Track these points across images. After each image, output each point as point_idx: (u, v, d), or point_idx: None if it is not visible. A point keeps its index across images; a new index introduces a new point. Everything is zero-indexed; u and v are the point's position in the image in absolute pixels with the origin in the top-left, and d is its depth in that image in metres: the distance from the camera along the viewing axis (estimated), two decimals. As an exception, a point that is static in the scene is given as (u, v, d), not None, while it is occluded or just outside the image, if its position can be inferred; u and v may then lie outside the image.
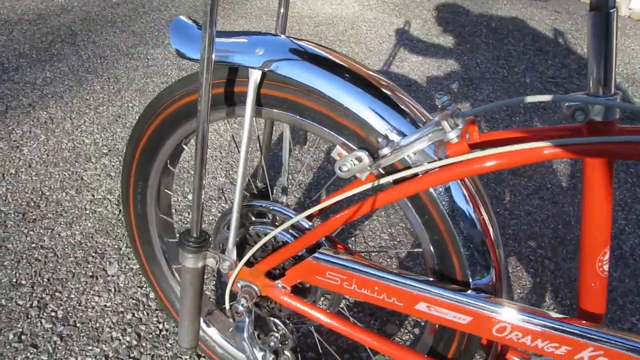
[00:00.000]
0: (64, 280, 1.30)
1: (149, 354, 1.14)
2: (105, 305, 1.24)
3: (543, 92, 2.56)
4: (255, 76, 0.69)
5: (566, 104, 0.57)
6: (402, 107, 0.66)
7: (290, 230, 0.80)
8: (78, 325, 1.19)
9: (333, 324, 0.79)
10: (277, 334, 0.87)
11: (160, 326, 1.20)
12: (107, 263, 1.36)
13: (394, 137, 0.64)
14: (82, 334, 1.17)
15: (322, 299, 0.86)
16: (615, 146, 0.56)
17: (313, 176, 1.79)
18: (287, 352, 0.89)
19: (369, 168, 0.65)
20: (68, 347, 1.14)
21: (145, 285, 1.30)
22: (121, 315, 1.22)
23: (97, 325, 1.19)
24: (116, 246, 1.41)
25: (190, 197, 1.63)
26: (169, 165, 0.93)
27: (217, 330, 1.07)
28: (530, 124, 2.28)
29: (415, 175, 0.65)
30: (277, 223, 0.87)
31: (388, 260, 1.48)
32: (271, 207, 0.82)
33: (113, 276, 1.32)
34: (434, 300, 0.69)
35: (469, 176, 0.61)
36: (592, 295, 0.69)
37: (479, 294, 0.69)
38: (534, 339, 0.67)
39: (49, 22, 2.93)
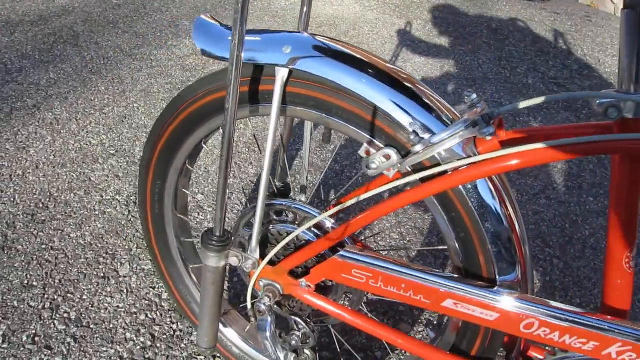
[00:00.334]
0: (76, 281, 1.29)
1: (164, 355, 1.13)
2: (118, 306, 1.24)
3: (546, 93, 2.58)
4: (282, 74, 0.69)
5: (598, 101, 0.57)
6: (429, 104, 0.67)
7: (312, 229, 0.80)
8: (91, 326, 1.18)
9: (357, 322, 0.79)
10: (298, 333, 0.86)
11: (175, 327, 1.20)
12: (119, 264, 1.35)
13: (423, 134, 0.65)
14: (96, 335, 1.16)
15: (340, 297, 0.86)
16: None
17: (333, 175, 1.79)
18: (307, 351, 0.89)
19: (398, 165, 0.65)
20: (82, 349, 1.13)
21: (157, 286, 1.30)
22: (134, 316, 1.21)
23: (111, 326, 1.19)
24: (127, 247, 1.41)
25: (199, 197, 1.63)
26: (187, 165, 0.93)
27: (233, 330, 1.07)
28: (534, 124, 2.29)
29: (444, 172, 0.66)
30: (297, 222, 0.87)
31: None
32: (294, 206, 0.82)
33: (125, 277, 1.31)
34: (462, 297, 0.69)
35: (500, 173, 0.61)
36: (618, 292, 0.70)
37: (506, 290, 0.69)
38: (561, 335, 0.67)
39: (51, 23, 2.92)
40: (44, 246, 1.39)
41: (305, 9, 0.80)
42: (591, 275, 1.52)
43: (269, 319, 0.82)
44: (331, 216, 0.79)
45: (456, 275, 0.73)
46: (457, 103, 2.33)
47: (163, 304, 1.25)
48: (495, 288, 0.70)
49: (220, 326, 1.07)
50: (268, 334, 0.82)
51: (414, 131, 0.65)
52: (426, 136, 0.64)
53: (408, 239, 1.56)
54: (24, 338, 1.14)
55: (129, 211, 1.54)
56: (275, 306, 0.89)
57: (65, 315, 1.20)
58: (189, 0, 3.43)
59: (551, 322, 0.66)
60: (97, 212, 1.52)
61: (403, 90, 0.67)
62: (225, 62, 0.73)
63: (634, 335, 0.63)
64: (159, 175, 0.94)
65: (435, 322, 1.29)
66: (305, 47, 0.69)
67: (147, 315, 1.22)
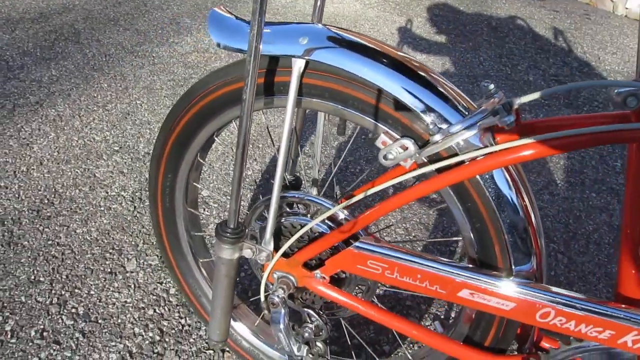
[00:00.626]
0: (83, 276, 1.29)
1: (173, 349, 1.13)
2: (125, 302, 1.23)
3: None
4: (299, 65, 0.69)
5: (616, 91, 0.57)
6: (445, 93, 0.67)
7: (326, 221, 0.80)
8: (100, 321, 1.18)
9: (371, 313, 0.79)
10: (311, 325, 0.87)
11: (183, 321, 1.20)
12: (125, 259, 1.35)
13: (440, 124, 0.65)
14: (104, 330, 1.16)
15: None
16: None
17: (337, 171, 1.79)
18: (319, 344, 0.89)
19: (417, 155, 0.65)
20: (91, 343, 1.13)
21: (165, 281, 1.30)
22: (142, 311, 1.21)
23: (119, 321, 1.18)
24: (133, 242, 1.40)
25: (204, 192, 1.63)
26: (199, 158, 0.93)
27: (243, 324, 1.07)
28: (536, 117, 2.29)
29: (461, 162, 0.66)
30: (308, 213, 0.87)
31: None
32: (307, 198, 0.82)
33: (132, 272, 1.31)
34: (477, 287, 0.70)
35: (519, 162, 0.62)
36: (632, 281, 0.70)
37: (522, 280, 0.70)
38: (577, 324, 0.68)
39: (51, 20, 2.91)
40: (50, 242, 1.39)
41: (319, 2, 0.80)
42: (595, 270, 1.53)
43: (283, 311, 0.83)
44: (345, 208, 0.80)
45: (471, 266, 0.73)
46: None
47: (171, 299, 1.25)
48: (511, 278, 0.70)
49: (230, 320, 1.07)
50: (282, 326, 0.83)
51: (432, 121, 0.65)
52: (444, 126, 0.64)
53: (413, 234, 1.56)
54: (32, 333, 1.14)
55: (135, 207, 1.53)
56: (287, 299, 0.89)
57: (73, 310, 1.20)
58: (189, -3, 3.43)
59: (567, 311, 0.67)
60: (102, 208, 1.52)
61: (419, 80, 0.67)
62: (242, 54, 0.73)
63: (650, 323, 0.64)
64: (170, 169, 0.94)
65: (442, 317, 1.30)
66: (321, 38, 0.69)
67: (155, 310, 1.22)
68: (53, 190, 1.58)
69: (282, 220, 0.85)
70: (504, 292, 0.69)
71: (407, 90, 0.66)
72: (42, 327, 1.16)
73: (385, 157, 0.68)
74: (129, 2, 3.27)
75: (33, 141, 1.81)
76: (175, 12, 3.16)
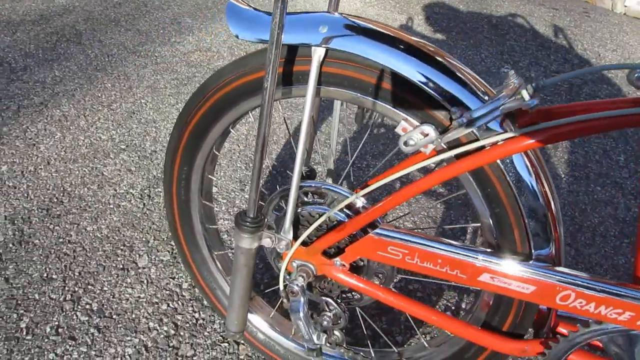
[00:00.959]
0: (95, 273, 1.29)
1: (188, 343, 1.14)
2: (139, 297, 1.24)
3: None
4: (319, 53, 0.70)
5: (637, 74, 0.58)
6: (464, 80, 0.68)
7: (344, 210, 0.81)
8: (114, 316, 1.19)
9: (391, 299, 0.80)
10: (329, 314, 0.87)
11: (197, 315, 1.20)
12: (137, 255, 1.35)
13: (461, 109, 0.66)
14: (119, 325, 1.16)
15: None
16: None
17: (343, 165, 1.80)
18: (336, 332, 0.90)
19: (439, 140, 0.66)
20: (106, 338, 1.13)
21: (177, 277, 1.30)
22: (156, 306, 1.22)
23: (133, 316, 1.19)
24: (144, 239, 1.41)
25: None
26: (214, 150, 0.94)
27: (259, 317, 1.07)
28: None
29: (481, 148, 0.67)
30: (323, 201, 0.87)
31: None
32: (325, 187, 0.83)
33: (144, 268, 1.32)
34: (498, 271, 0.71)
35: (540, 146, 0.63)
36: (650, 263, 0.71)
37: (542, 263, 0.70)
38: (597, 306, 0.68)
39: (52, 22, 2.91)
40: (60, 240, 1.39)
41: (335, -9, 0.80)
42: (602, 261, 1.54)
43: (302, 299, 0.83)
44: (363, 196, 0.80)
45: (491, 250, 0.74)
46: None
47: (184, 294, 1.25)
48: (531, 262, 0.71)
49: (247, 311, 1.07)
50: (301, 314, 0.83)
51: (452, 107, 0.66)
52: (465, 111, 0.65)
53: (422, 227, 1.57)
54: (47, 329, 1.14)
55: (144, 204, 1.54)
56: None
57: (87, 306, 1.21)
58: (190, -2, 3.43)
59: (587, 293, 0.68)
60: (111, 206, 1.52)
61: (438, 66, 0.68)
62: (260, 44, 0.74)
63: (670, 303, 0.64)
64: (185, 161, 0.94)
65: (453, 308, 1.31)
66: (340, 27, 0.70)
67: (168, 305, 1.22)
68: (62, 189, 1.58)
69: (300, 210, 0.86)
70: (525, 275, 0.69)
71: (426, 77, 0.67)
72: (57, 323, 1.16)
73: (405, 144, 0.68)
74: (129, 2, 3.27)
75: (39, 141, 1.81)
76: (176, 12, 3.17)
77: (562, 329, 0.84)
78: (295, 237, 0.83)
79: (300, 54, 0.74)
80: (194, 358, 1.11)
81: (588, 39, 3.29)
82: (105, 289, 1.25)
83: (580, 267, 1.51)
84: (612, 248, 1.61)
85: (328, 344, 0.90)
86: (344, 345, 0.92)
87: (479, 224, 0.77)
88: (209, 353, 1.12)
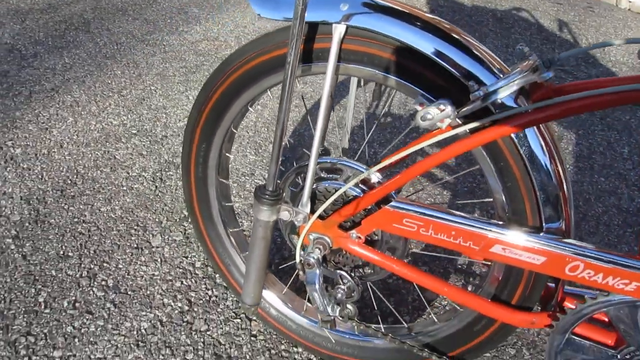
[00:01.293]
0: (110, 251, 1.32)
1: (202, 318, 1.17)
2: (153, 274, 1.27)
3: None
4: (339, 30, 0.73)
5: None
6: (480, 56, 0.70)
7: (360, 185, 0.84)
8: (129, 292, 1.22)
9: (405, 272, 0.83)
10: (343, 287, 0.90)
11: (210, 292, 1.23)
12: (150, 235, 1.38)
13: (477, 85, 0.68)
14: (134, 301, 1.19)
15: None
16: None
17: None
18: (349, 306, 0.93)
19: (456, 114, 0.69)
20: (122, 313, 1.16)
21: (190, 256, 1.33)
22: (170, 283, 1.25)
23: (148, 292, 1.22)
24: (157, 220, 1.44)
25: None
26: (232, 128, 0.96)
27: (272, 293, 1.10)
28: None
29: (495, 122, 0.69)
30: (339, 177, 0.90)
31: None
32: (342, 162, 0.86)
33: (158, 247, 1.35)
34: (509, 242, 0.73)
35: (554, 120, 0.65)
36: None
37: (552, 235, 0.73)
38: (605, 277, 0.71)
39: (60, 11, 2.93)
40: (75, 219, 1.42)
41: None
42: (605, 248, 1.57)
43: (318, 271, 0.86)
44: (379, 171, 0.83)
45: (503, 223, 0.77)
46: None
47: (197, 272, 1.28)
48: (541, 234, 0.74)
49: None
50: (317, 286, 0.86)
51: (469, 82, 0.68)
52: (482, 86, 0.68)
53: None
54: (65, 304, 1.17)
55: (156, 187, 1.57)
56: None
57: (103, 282, 1.24)
58: (197, -11, 3.45)
59: (596, 264, 0.71)
60: (124, 188, 1.55)
61: (455, 42, 0.70)
62: (286, 22, 0.76)
63: (675, 273, 0.67)
64: (204, 139, 0.97)
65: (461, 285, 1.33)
66: (360, 4, 0.73)
67: (182, 282, 1.25)
68: (75, 171, 1.61)
69: (316, 186, 0.88)
70: (535, 247, 0.72)
71: (444, 53, 0.70)
72: (74, 298, 1.19)
73: (423, 118, 0.71)
74: (136, -8, 3.29)
75: (52, 125, 1.84)
76: (183, 2, 3.18)
77: (569, 304, 0.87)
78: (312, 212, 0.86)
79: (321, 32, 0.77)
80: (208, 333, 1.14)
81: (592, 34, 3.31)
82: (120, 266, 1.28)
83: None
84: (616, 237, 1.63)
85: (341, 317, 0.92)
86: (356, 319, 0.95)
87: (490, 199, 0.79)
88: (222, 328, 1.15)
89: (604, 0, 4.07)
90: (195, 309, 1.19)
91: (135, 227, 1.41)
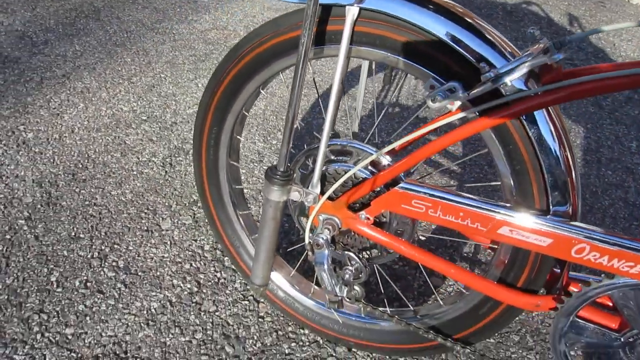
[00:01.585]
0: (121, 234, 1.34)
1: (210, 299, 1.19)
2: (163, 256, 1.29)
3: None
4: (352, 13, 0.74)
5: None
6: (493, 40, 0.71)
7: (369, 167, 0.85)
8: (139, 273, 1.24)
9: (413, 253, 0.84)
10: (351, 268, 0.91)
11: (218, 275, 1.25)
12: (160, 219, 1.40)
13: (489, 67, 0.69)
14: (144, 282, 1.22)
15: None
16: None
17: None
18: (356, 287, 0.94)
19: (466, 95, 0.69)
20: (133, 293, 1.19)
21: (199, 239, 1.35)
22: (179, 265, 1.27)
23: (158, 274, 1.24)
24: (167, 204, 1.46)
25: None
26: (244, 111, 0.98)
27: (279, 275, 1.12)
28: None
29: (505, 105, 0.70)
30: (349, 159, 0.91)
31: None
32: (351, 145, 0.87)
33: (167, 230, 1.37)
34: (517, 224, 0.74)
35: (563, 102, 0.66)
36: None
37: (559, 218, 0.74)
38: (610, 259, 0.72)
39: (71, -1, 2.95)
40: (87, 202, 1.44)
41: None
42: (611, 240, 1.57)
43: (327, 252, 0.87)
44: (388, 154, 0.84)
45: (510, 205, 0.78)
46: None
47: (206, 255, 1.30)
48: (548, 216, 0.75)
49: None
50: (326, 266, 0.87)
51: (480, 65, 0.69)
52: (493, 68, 0.68)
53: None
54: (77, 283, 1.20)
55: (166, 172, 1.58)
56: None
57: (114, 263, 1.26)
58: (206, -22, 3.45)
59: (602, 247, 0.71)
60: (135, 172, 1.57)
61: (467, 25, 0.71)
62: (299, 4, 0.77)
63: (680, 255, 0.68)
64: (216, 121, 0.98)
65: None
66: (374, -13, 0.74)
67: (191, 265, 1.27)
68: (86, 155, 1.63)
69: (326, 168, 0.89)
70: (542, 229, 0.73)
71: (456, 36, 0.71)
72: (85, 278, 1.21)
73: (433, 100, 0.72)
74: (147, -18, 3.30)
75: (63, 111, 1.86)
76: (193, -7, 3.19)
77: (574, 289, 0.88)
78: (322, 193, 0.87)
79: (334, 14, 0.78)
80: (216, 313, 1.16)
81: (603, 28, 3.29)
82: (130, 248, 1.30)
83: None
84: (622, 229, 1.64)
85: (348, 299, 0.94)
86: (363, 301, 0.96)
87: (498, 183, 0.80)
88: (230, 309, 1.17)
89: (615, -5, 4.03)
90: (204, 291, 1.21)
91: (145, 211, 1.43)
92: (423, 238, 1.44)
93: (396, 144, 0.80)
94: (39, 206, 1.41)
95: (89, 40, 2.45)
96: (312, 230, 0.90)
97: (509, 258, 0.84)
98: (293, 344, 1.12)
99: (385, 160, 0.84)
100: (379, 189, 0.83)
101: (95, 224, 1.37)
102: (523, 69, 0.65)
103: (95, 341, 1.08)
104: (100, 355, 1.05)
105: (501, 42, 0.72)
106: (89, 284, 1.20)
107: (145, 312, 1.15)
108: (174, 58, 2.32)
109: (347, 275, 0.91)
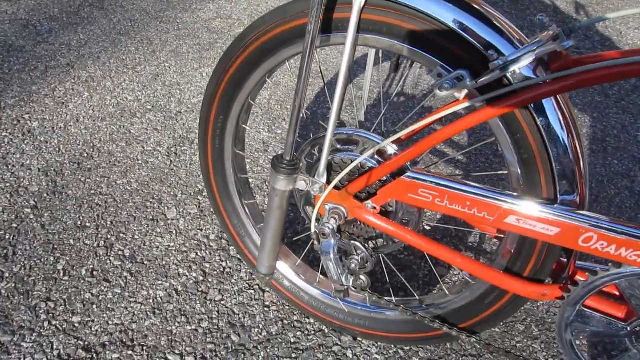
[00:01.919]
0: (127, 223, 1.35)
1: (216, 289, 1.19)
2: (169, 246, 1.29)
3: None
4: (359, 0, 0.73)
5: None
6: (501, 28, 0.70)
7: (376, 156, 0.85)
8: (145, 262, 1.24)
9: (419, 242, 0.84)
10: (357, 257, 0.92)
11: (224, 264, 1.25)
12: (166, 208, 1.41)
13: (497, 54, 0.68)
14: (150, 271, 1.22)
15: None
16: None
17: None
18: (362, 277, 0.94)
19: (474, 83, 0.69)
20: (139, 282, 1.19)
21: (205, 229, 1.35)
22: (185, 254, 1.27)
23: (164, 262, 1.25)
24: (172, 193, 1.46)
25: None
26: (250, 99, 0.97)
27: (285, 264, 1.12)
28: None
29: (513, 93, 0.69)
30: (355, 149, 0.91)
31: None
32: (358, 134, 0.86)
33: (173, 220, 1.37)
34: (524, 213, 0.74)
35: (572, 90, 0.65)
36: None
37: (567, 207, 0.74)
38: (618, 248, 0.72)
39: (75, -13, 2.94)
40: (92, 191, 1.44)
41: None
42: (617, 230, 1.57)
43: (333, 241, 0.87)
44: (395, 142, 0.84)
45: (517, 194, 0.77)
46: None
47: (212, 244, 1.31)
48: (556, 205, 0.74)
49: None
50: (332, 255, 0.88)
51: (487, 53, 0.68)
52: (501, 56, 0.68)
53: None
54: (83, 272, 1.20)
55: (171, 161, 1.59)
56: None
57: (120, 252, 1.26)
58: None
59: (609, 236, 0.71)
60: (140, 162, 1.57)
61: (476, 13, 0.70)
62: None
63: (689, 245, 0.68)
64: (221, 110, 0.98)
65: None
66: (381, -26, 0.73)
67: (197, 254, 1.28)
68: (91, 145, 1.63)
69: (332, 157, 0.89)
70: (550, 218, 0.73)
71: (464, 23, 0.70)
72: (91, 267, 1.22)
73: (441, 88, 0.71)
74: (150, -30, 3.28)
75: (68, 100, 1.86)
76: (197, -19, 3.17)
77: (580, 278, 0.87)
78: (328, 183, 0.87)
79: (341, 1, 0.77)
80: (222, 302, 1.17)
81: (611, 17, 3.25)
82: (136, 237, 1.31)
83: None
84: (628, 219, 1.63)
85: (354, 288, 0.94)
86: (369, 290, 0.97)
87: (505, 172, 0.80)
88: (235, 298, 1.18)
89: (623, -18, 3.98)
90: (210, 280, 1.21)
91: (151, 200, 1.43)
92: (428, 227, 1.44)
93: (402, 133, 0.80)
94: (45, 195, 1.42)
95: (93, 29, 2.45)
96: (318, 219, 0.90)
97: (516, 247, 0.84)
98: (298, 333, 1.12)
99: (392, 149, 0.84)
100: (385, 178, 0.83)
101: (101, 213, 1.37)
102: (532, 56, 0.64)
103: (102, 329, 1.09)
104: (107, 343, 1.06)
105: (509, 29, 0.71)
106: (95, 273, 1.20)
107: (151, 300, 1.16)
108: (178, 47, 2.31)
109: (353, 265, 0.91)
